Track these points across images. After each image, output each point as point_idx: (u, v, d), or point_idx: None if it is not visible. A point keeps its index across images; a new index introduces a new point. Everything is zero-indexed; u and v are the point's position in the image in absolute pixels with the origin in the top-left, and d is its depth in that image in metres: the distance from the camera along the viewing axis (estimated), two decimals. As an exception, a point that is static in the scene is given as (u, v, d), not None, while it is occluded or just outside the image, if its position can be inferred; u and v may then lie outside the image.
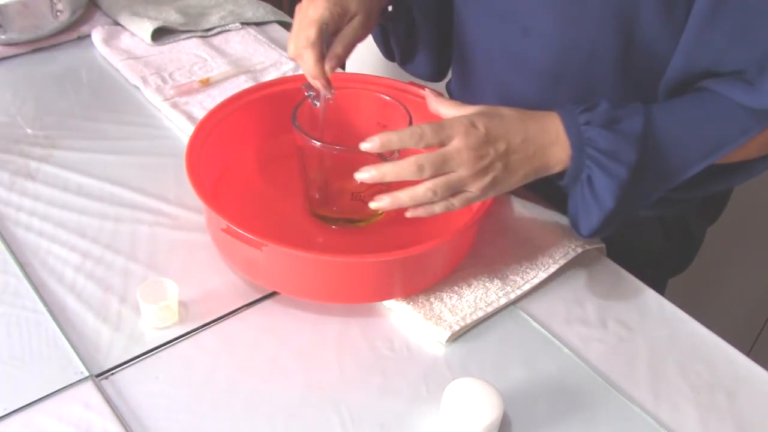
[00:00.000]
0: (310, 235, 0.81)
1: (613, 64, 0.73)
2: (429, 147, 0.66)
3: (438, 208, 0.68)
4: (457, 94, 0.96)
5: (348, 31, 0.77)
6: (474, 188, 0.67)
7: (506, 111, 0.70)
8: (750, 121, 0.69)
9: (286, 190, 0.85)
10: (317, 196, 0.81)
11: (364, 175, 0.67)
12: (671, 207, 0.83)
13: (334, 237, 0.81)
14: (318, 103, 0.77)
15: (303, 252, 0.68)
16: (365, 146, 0.67)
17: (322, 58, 0.74)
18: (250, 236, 0.67)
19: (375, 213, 0.81)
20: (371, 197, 0.76)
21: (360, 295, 0.74)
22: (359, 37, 0.79)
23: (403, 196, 0.67)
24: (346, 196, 0.79)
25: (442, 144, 0.66)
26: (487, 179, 0.67)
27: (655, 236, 0.90)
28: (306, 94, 0.78)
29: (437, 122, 0.67)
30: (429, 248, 0.70)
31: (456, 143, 0.66)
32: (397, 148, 0.68)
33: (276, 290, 0.74)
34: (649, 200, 0.72)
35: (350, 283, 0.73)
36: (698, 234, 0.94)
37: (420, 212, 0.68)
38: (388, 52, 0.95)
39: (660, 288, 0.97)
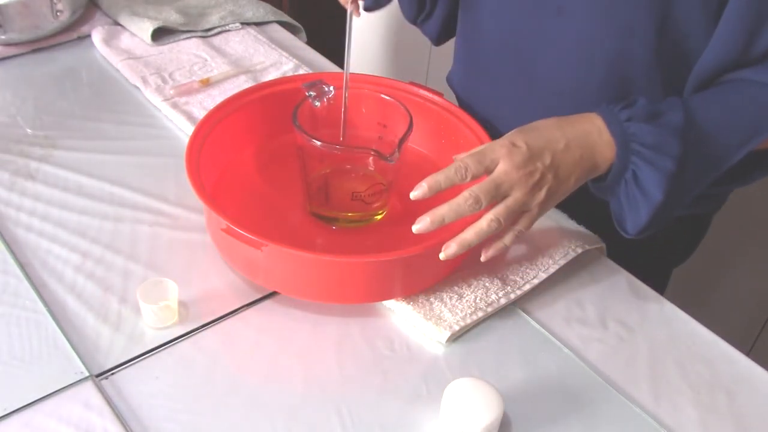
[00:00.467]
0: (310, 235, 0.81)
1: (646, 45, 0.73)
2: (476, 179, 0.66)
3: (508, 240, 0.69)
4: (461, 84, 0.95)
5: None
6: (533, 206, 0.68)
7: (540, 123, 0.70)
8: None
9: (286, 190, 0.85)
10: (317, 196, 0.81)
11: (422, 225, 0.66)
12: (712, 203, 0.83)
13: (334, 237, 0.81)
14: (318, 103, 0.77)
15: (303, 252, 0.68)
16: (416, 195, 0.67)
17: None
18: (250, 236, 0.67)
19: (375, 213, 0.81)
20: (372, 197, 0.76)
21: (360, 295, 0.74)
22: None
23: (468, 236, 0.67)
24: (346, 196, 0.79)
25: (488, 171, 0.66)
26: (542, 193, 0.67)
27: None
28: (306, 94, 0.78)
29: (478, 151, 0.67)
30: (429, 248, 0.70)
31: (502, 167, 0.66)
32: (446, 187, 0.67)
33: (276, 290, 0.74)
34: (694, 192, 0.72)
35: (350, 283, 0.73)
36: (706, 217, 0.94)
37: (491, 252, 0.69)
38: (410, 8, 0.94)
39: (665, 278, 0.97)
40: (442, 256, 0.68)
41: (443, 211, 0.66)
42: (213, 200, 0.73)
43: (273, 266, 0.72)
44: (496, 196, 0.66)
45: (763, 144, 0.71)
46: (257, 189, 0.86)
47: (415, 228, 0.67)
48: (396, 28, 1.69)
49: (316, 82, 0.80)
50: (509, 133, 0.69)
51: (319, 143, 0.74)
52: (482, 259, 0.69)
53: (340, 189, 0.78)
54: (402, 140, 0.75)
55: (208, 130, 0.81)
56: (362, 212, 0.81)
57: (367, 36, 1.76)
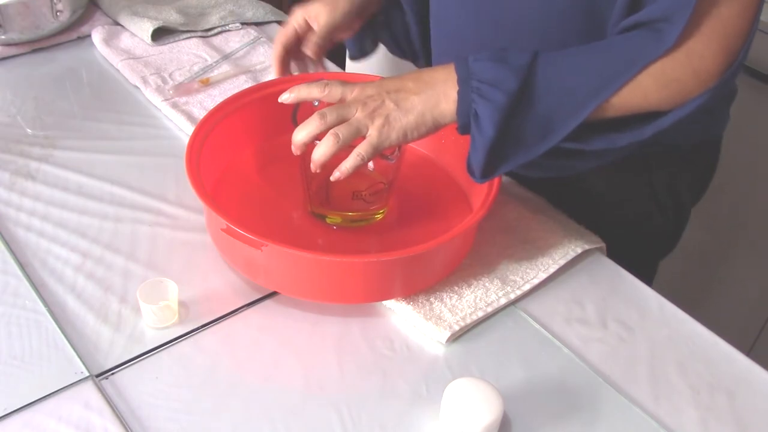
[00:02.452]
0: (310, 235, 0.81)
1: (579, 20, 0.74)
2: (332, 98, 0.72)
3: (350, 163, 0.70)
4: None
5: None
6: (371, 129, 0.70)
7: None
8: (636, 51, 0.68)
9: (286, 190, 0.85)
10: (318, 196, 0.81)
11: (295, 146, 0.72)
12: (590, 160, 0.78)
13: (334, 237, 0.81)
14: (317, 103, 0.77)
15: (303, 252, 0.68)
16: (283, 98, 0.74)
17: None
18: (250, 236, 0.67)
19: (375, 212, 0.81)
20: (372, 197, 0.76)
21: (359, 295, 0.74)
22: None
23: (315, 154, 0.70)
24: (347, 195, 0.79)
25: (345, 98, 0.72)
26: (381, 119, 0.70)
27: (648, 210, 0.89)
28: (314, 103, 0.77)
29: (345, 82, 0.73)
30: (429, 248, 0.70)
31: (355, 94, 0.72)
32: (305, 95, 0.73)
33: (276, 290, 0.74)
34: (541, 139, 0.70)
35: (350, 283, 0.73)
36: (687, 207, 0.94)
37: (338, 174, 0.71)
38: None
39: (651, 271, 0.97)
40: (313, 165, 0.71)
41: (297, 132, 0.71)
42: (213, 200, 0.73)
43: (273, 266, 0.71)
44: (342, 115, 0.70)
45: (619, 99, 0.69)
46: (257, 189, 0.86)
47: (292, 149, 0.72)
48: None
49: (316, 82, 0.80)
50: None
51: (318, 142, 0.74)
52: (332, 178, 0.71)
53: (340, 188, 0.78)
54: None
55: (208, 130, 0.81)
56: (363, 212, 0.80)
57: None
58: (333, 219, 0.81)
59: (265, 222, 0.81)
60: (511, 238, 0.82)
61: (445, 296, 0.74)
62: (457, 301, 0.74)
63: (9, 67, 1.06)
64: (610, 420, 0.66)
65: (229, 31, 1.16)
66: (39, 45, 1.09)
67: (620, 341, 0.73)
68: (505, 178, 0.92)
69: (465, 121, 0.70)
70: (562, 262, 0.79)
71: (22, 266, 0.76)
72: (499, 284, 0.76)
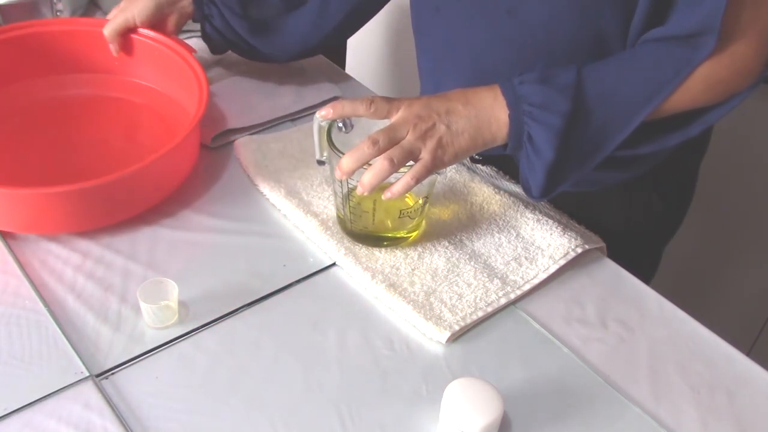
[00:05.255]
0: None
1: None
2: (378, 115, 0.72)
3: (403, 186, 0.70)
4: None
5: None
6: (424, 152, 0.70)
7: (448, 91, 0.74)
8: (681, 58, 0.70)
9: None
10: (363, 218, 0.78)
11: (338, 173, 0.71)
12: (637, 166, 0.82)
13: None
14: (341, 124, 0.76)
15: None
16: (321, 113, 0.73)
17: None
18: None
19: (415, 228, 0.80)
20: (415, 212, 0.76)
21: (58, 225, 0.78)
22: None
23: (366, 176, 0.70)
24: (393, 215, 0.77)
25: (390, 115, 0.72)
26: (434, 141, 0.70)
27: (649, 198, 0.90)
28: (338, 125, 0.76)
29: (386, 98, 0.73)
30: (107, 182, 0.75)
31: (402, 113, 0.71)
32: (348, 111, 0.72)
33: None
34: (596, 153, 0.72)
35: (46, 214, 0.77)
36: (690, 184, 0.94)
37: (390, 192, 0.71)
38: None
39: (656, 258, 0.97)
40: (358, 191, 0.71)
41: (347, 159, 0.70)
42: None
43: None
44: (393, 138, 0.69)
45: (669, 104, 0.71)
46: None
47: (337, 174, 0.71)
48: (395, 38, 1.69)
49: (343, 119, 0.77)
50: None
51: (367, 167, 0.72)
52: (384, 197, 0.71)
53: (386, 209, 0.77)
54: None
55: None
56: (405, 229, 0.80)
57: (366, 47, 1.76)
58: (363, 237, 0.80)
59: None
60: (511, 238, 0.82)
61: (445, 296, 0.74)
62: (457, 301, 0.74)
63: (9, 67, 1.06)
64: (610, 420, 0.66)
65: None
66: (39, 45, 1.09)
67: (620, 341, 0.73)
68: (504, 178, 0.92)
69: (516, 143, 0.72)
70: (562, 262, 0.79)
71: (22, 266, 0.76)
72: (499, 284, 0.76)
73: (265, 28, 0.97)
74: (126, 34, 0.97)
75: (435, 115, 0.71)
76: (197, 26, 1.14)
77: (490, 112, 0.71)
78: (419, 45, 0.91)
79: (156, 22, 0.97)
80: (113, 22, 0.95)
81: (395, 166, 0.69)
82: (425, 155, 0.70)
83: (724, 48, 0.69)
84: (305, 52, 1.01)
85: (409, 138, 0.70)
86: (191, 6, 0.97)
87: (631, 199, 0.89)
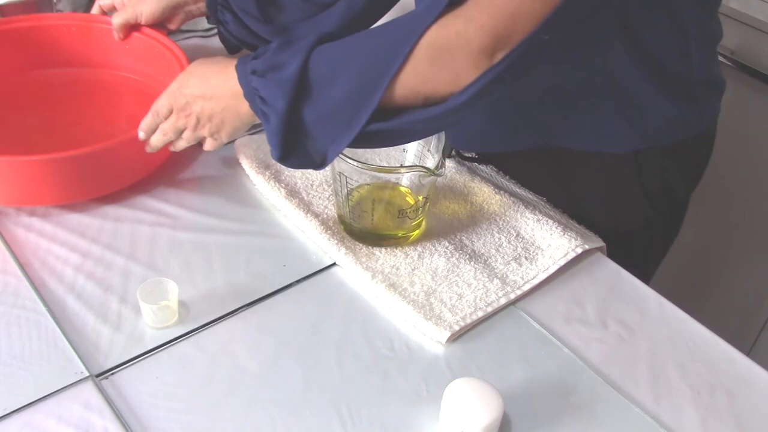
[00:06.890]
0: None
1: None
2: (165, 117, 0.82)
3: (180, 144, 0.83)
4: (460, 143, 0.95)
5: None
6: (188, 127, 0.81)
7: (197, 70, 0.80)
8: (405, 29, 0.64)
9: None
10: (363, 217, 0.79)
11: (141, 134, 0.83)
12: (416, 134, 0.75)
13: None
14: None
15: None
16: (141, 135, 0.83)
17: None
18: None
19: (416, 228, 0.81)
20: (414, 212, 0.76)
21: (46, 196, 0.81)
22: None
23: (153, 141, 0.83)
24: (392, 215, 0.78)
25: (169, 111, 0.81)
26: (192, 119, 0.80)
27: (642, 210, 0.89)
28: None
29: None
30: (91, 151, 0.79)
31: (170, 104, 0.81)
32: (155, 124, 0.82)
33: None
34: (342, 132, 0.68)
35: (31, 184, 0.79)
36: (683, 198, 0.93)
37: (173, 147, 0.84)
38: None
39: (653, 266, 0.97)
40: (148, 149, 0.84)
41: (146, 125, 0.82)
42: None
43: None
44: (166, 112, 0.82)
45: (404, 80, 0.64)
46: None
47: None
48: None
49: None
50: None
51: (359, 165, 0.73)
52: (171, 148, 0.84)
53: (386, 207, 0.77)
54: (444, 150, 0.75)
55: None
56: (404, 228, 0.80)
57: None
58: (363, 236, 0.80)
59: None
60: (511, 238, 0.82)
61: (445, 296, 0.74)
62: (457, 301, 0.74)
63: (9, 67, 1.06)
64: (610, 420, 0.66)
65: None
66: (39, 45, 1.09)
67: (620, 341, 0.73)
68: (504, 178, 0.92)
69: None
70: (562, 262, 0.79)
71: (22, 266, 0.76)
72: (499, 284, 0.76)
73: (287, 30, 0.97)
74: (129, 29, 1.01)
75: (190, 107, 0.79)
76: (197, 26, 1.14)
77: (235, 101, 0.75)
78: None
79: (159, 23, 1.00)
80: (123, 12, 1.00)
81: (171, 136, 0.82)
82: (189, 129, 0.81)
83: (453, 17, 0.61)
84: None
85: (175, 117, 0.81)
86: (198, 8, 1.00)
87: (624, 209, 0.88)
